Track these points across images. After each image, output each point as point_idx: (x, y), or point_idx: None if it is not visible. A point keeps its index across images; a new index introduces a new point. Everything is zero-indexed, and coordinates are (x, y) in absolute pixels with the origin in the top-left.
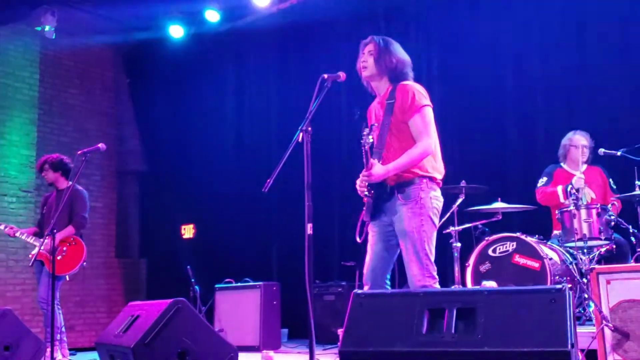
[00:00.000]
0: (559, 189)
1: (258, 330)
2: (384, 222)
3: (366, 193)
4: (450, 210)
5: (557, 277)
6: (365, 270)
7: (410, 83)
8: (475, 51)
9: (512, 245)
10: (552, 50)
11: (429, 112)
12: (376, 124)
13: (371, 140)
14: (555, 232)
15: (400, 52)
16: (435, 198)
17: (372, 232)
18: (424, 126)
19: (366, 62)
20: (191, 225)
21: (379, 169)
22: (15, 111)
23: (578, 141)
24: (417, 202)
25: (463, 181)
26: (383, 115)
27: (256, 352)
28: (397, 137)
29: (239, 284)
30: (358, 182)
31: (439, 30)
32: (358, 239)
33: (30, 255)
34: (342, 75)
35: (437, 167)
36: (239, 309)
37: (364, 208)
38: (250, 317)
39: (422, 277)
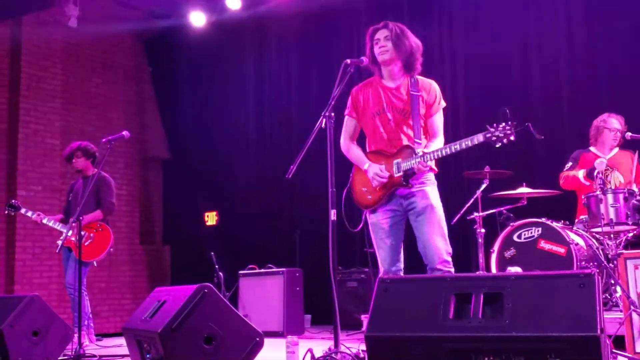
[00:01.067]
0: (580, 172)
1: (282, 316)
2: (392, 209)
3: (405, 178)
4: (475, 196)
5: (584, 263)
6: (384, 262)
7: (432, 81)
8: (499, 36)
9: (538, 231)
10: (578, 33)
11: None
12: (385, 109)
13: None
14: (581, 217)
15: (414, 37)
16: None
17: (381, 222)
18: (442, 125)
19: (386, 47)
20: (214, 212)
21: (432, 161)
22: (39, 100)
23: (612, 124)
24: (434, 185)
25: (487, 166)
26: (409, 106)
27: (280, 338)
28: (424, 131)
29: (262, 270)
30: (380, 171)
31: (462, 16)
32: (352, 228)
33: (58, 242)
34: (365, 60)
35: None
36: (263, 295)
37: (369, 197)
38: (273, 303)
39: (446, 252)
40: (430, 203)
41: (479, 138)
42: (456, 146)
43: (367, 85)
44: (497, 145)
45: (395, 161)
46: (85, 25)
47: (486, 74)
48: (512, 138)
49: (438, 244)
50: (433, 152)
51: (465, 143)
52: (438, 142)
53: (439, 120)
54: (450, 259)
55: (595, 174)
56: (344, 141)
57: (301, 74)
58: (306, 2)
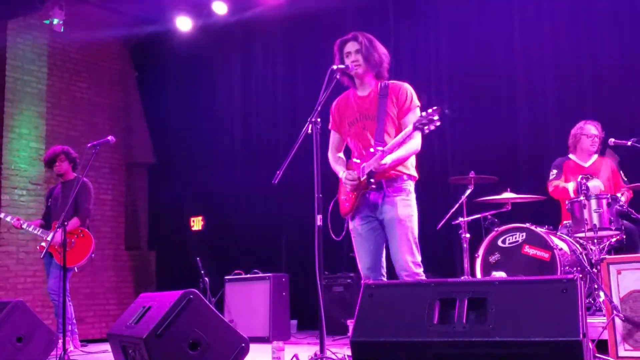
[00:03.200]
0: (571, 187)
1: (268, 321)
2: (367, 215)
3: (372, 181)
4: (460, 201)
5: (567, 268)
6: (363, 267)
7: (404, 83)
8: (485, 41)
9: (522, 236)
10: (562, 40)
11: (419, 112)
12: (357, 117)
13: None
14: (565, 222)
15: (381, 47)
16: (414, 195)
17: (358, 228)
18: None
19: (358, 61)
20: (200, 217)
21: (389, 159)
22: (24, 104)
23: (589, 130)
24: (407, 195)
25: (472, 172)
26: (376, 110)
27: (266, 343)
28: (389, 133)
29: (248, 276)
30: (349, 175)
31: (448, 21)
32: (335, 237)
33: (39, 248)
34: (349, 66)
35: (414, 165)
36: (249, 300)
37: (347, 204)
38: (260, 308)
39: (414, 264)
40: (396, 214)
41: (409, 128)
42: (397, 139)
43: (343, 98)
44: (426, 131)
45: (362, 165)
46: (71, 30)
47: (471, 77)
48: (437, 122)
49: (405, 258)
50: (382, 150)
51: (402, 135)
52: (409, 141)
53: (412, 119)
54: (419, 271)
55: (581, 188)
56: (329, 154)
57: (287, 79)
58: (292, 6)
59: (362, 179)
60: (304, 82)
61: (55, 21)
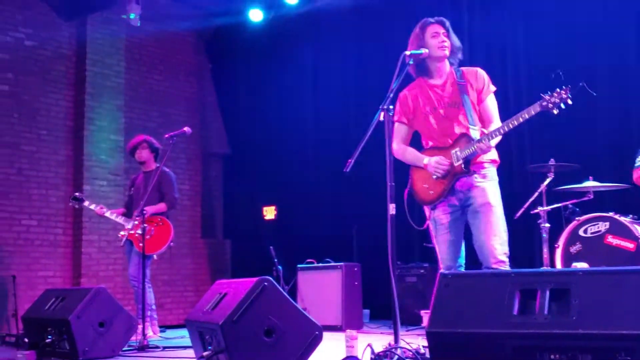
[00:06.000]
0: None
1: (340, 310)
2: (452, 204)
3: (464, 166)
4: (539, 190)
5: None
6: (442, 258)
7: (478, 68)
8: (565, 24)
9: (605, 226)
10: None
11: (494, 97)
12: (437, 105)
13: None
14: None
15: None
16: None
17: (441, 218)
18: (496, 109)
19: (446, 42)
20: (273, 207)
21: (494, 142)
22: (103, 98)
23: None
24: (494, 181)
25: (552, 159)
26: (459, 96)
27: (339, 332)
28: (474, 119)
29: (320, 264)
30: (441, 160)
31: (523, 4)
32: (417, 227)
33: (120, 235)
34: (425, 52)
35: (495, 150)
36: (321, 289)
37: (431, 192)
38: (332, 297)
39: (502, 252)
40: (487, 201)
41: (535, 108)
42: (514, 121)
43: (414, 88)
44: (555, 112)
45: (452, 151)
46: (147, 23)
47: (548, 63)
48: (569, 102)
49: (494, 244)
50: (492, 131)
51: (522, 116)
52: (495, 125)
53: (491, 104)
54: (506, 259)
55: None
56: (397, 146)
57: (358, 67)
58: None
59: (456, 165)
60: (374, 70)
61: (132, 15)
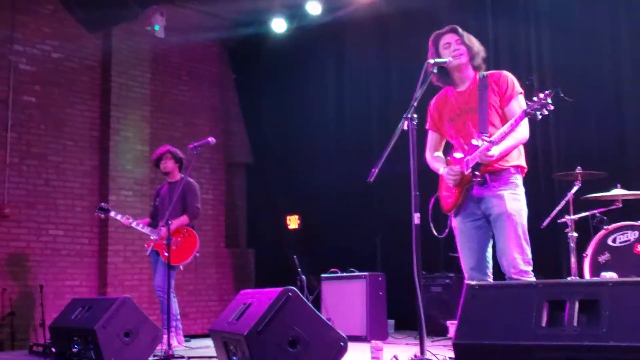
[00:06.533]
0: None
1: (365, 321)
2: (471, 212)
3: (477, 174)
4: (566, 199)
5: None
6: (466, 267)
7: (503, 71)
8: (588, 29)
9: (634, 235)
10: None
11: (523, 99)
12: (458, 113)
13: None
14: None
15: (476, 39)
16: (523, 188)
17: (462, 225)
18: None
19: (460, 50)
20: (296, 216)
21: (496, 150)
22: (128, 108)
23: None
24: (514, 188)
25: (579, 167)
26: (477, 102)
27: (364, 342)
28: (493, 123)
29: (344, 274)
30: (451, 170)
31: (549, 10)
32: (438, 234)
33: (146, 245)
34: (449, 60)
35: (522, 155)
36: (345, 299)
37: (449, 200)
38: (356, 307)
39: (523, 262)
40: (505, 209)
41: (520, 116)
42: (504, 129)
43: (442, 96)
44: (539, 118)
45: (465, 159)
46: (171, 34)
47: (575, 69)
48: (550, 107)
49: (514, 254)
50: (489, 141)
51: (510, 124)
52: (520, 129)
53: (516, 107)
54: (529, 269)
55: None
56: (427, 153)
57: (381, 76)
58: (386, 3)
59: (465, 173)
60: (398, 80)
61: (157, 27)
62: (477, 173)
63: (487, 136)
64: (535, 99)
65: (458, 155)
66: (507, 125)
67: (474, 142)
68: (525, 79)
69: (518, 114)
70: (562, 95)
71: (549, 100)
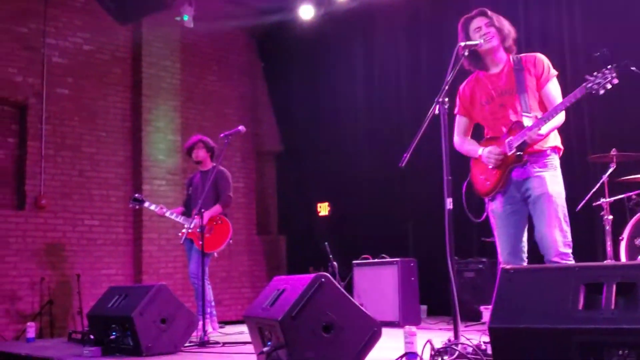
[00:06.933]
0: None
1: (397, 306)
2: (511, 195)
3: (519, 154)
4: (601, 181)
5: None
6: (503, 251)
7: (537, 53)
8: (621, 8)
9: None
10: None
11: (557, 82)
12: (494, 95)
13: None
14: None
15: (506, 20)
16: (560, 171)
17: (500, 209)
18: (558, 94)
19: (490, 33)
20: (326, 203)
21: (545, 128)
22: (160, 99)
23: None
24: (554, 169)
25: (614, 149)
26: (515, 84)
27: (396, 328)
28: (531, 106)
29: (376, 260)
30: (494, 149)
31: None
32: (475, 219)
33: (180, 234)
34: (480, 42)
35: (558, 136)
36: (377, 285)
37: (487, 183)
38: (388, 293)
39: (563, 244)
40: (546, 190)
41: (580, 91)
42: (560, 106)
43: (471, 80)
44: (601, 92)
45: (506, 140)
46: (200, 24)
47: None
48: (615, 81)
49: (554, 236)
50: (541, 119)
51: (569, 100)
52: (554, 120)
53: (553, 89)
54: (569, 251)
55: None
56: (456, 138)
57: (410, 61)
58: None
59: (509, 154)
60: (427, 64)
61: (186, 17)
62: (521, 153)
63: (532, 117)
64: (599, 73)
65: (493, 137)
66: (562, 103)
67: (525, 120)
68: (596, 52)
69: (579, 89)
70: (633, 68)
71: (614, 75)
